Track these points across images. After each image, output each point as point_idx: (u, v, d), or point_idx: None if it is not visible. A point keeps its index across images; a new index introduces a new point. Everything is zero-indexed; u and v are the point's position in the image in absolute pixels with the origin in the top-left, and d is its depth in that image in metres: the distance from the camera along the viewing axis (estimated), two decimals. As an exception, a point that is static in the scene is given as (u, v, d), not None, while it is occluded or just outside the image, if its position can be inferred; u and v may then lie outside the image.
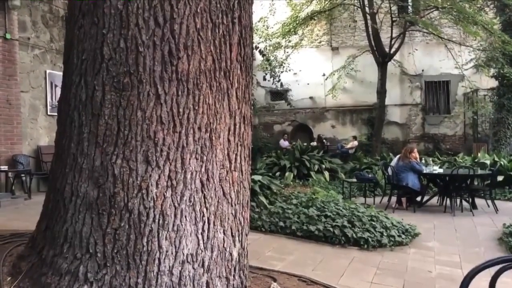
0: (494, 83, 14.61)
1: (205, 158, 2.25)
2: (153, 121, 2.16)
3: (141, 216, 2.14)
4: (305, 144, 13.67)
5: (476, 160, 11.23)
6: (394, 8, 13.87)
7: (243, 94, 2.45)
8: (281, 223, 5.67)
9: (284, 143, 16.23)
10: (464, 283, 1.51)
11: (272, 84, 13.60)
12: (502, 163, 10.46)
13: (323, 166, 11.16)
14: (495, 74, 14.07)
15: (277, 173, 10.25)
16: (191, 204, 2.22)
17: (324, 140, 16.41)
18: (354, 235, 5.29)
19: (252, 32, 2.65)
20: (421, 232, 5.98)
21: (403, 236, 5.57)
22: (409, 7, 14.03)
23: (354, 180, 9.58)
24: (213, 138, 2.28)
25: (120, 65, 2.16)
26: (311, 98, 17.60)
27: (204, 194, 2.26)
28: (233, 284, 2.40)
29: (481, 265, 1.54)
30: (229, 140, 2.35)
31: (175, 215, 2.18)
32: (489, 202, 7.95)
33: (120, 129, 2.16)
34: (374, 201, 8.70)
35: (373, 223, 5.57)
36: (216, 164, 2.30)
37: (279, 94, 17.41)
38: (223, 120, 2.32)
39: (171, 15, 2.17)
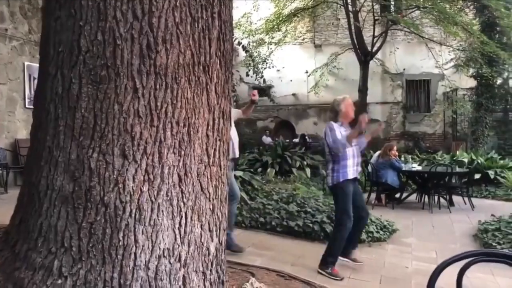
0: (473, 82, 14.89)
1: (183, 152, 2.24)
2: (130, 115, 2.14)
3: (117, 210, 2.12)
4: (287, 140, 13.72)
5: (454, 158, 11.44)
6: (376, 7, 14.01)
7: (223, 89, 2.44)
8: (262, 219, 5.70)
9: (266, 139, 16.27)
10: (433, 277, 1.54)
11: (255, 80, 13.60)
12: (479, 161, 10.68)
13: (305, 162, 11.21)
14: (474, 74, 14.35)
15: (259, 169, 10.27)
16: (168, 198, 2.21)
17: (306, 138, 16.49)
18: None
19: (232, 27, 2.64)
20: (399, 228, 6.08)
21: (381, 232, 5.66)
22: (392, 6, 14.17)
23: (335, 176, 9.62)
24: (191, 132, 2.27)
25: (97, 58, 2.14)
26: (294, 95, 17.68)
27: (182, 189, 2.25)
28: (210, 279, 2.40)
29: (449, 259, 1.58)
30: (207, 135, 2.34)
31: (152, 210, 2.17)
32: (466, 199, 8.12)
33: (97, 123, 2.13)
34: (354, 197, 8.76)
35: (352, 219, 5.62)
36: (194, 158, 2.29)
37: (262, 90, 17.41)
38: (201, 115, 2.31)
39: (150, 8, 2.15)
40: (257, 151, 11.97)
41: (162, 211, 2.19)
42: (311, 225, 5.42)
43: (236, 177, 6.63)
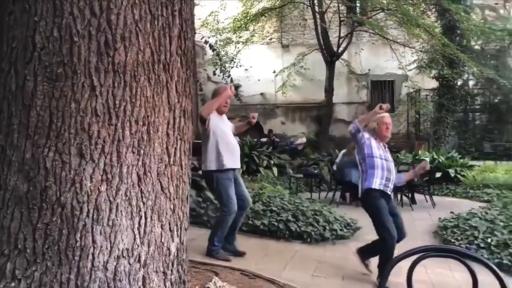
0: (435, 83, 15.32)
1: (142, 151, 2.21)
2: (88, 113, 2.10)
3: (74, 211, 2.08)
4: (255, 140, 13.76)
5: (416, 157, 11.75)
6: (342, 8, 14.21)
7: (184, 87, 2.42)
8: (227, 218, 5.68)
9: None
10: (386, 272, 1.59)
11: (222, 79, 13.57)
12: (440, 160, 11.01)
13: (272, 161, 11.29)
14: (436, 75, 14.77)
15: (226, 169, 10.24)
16: (127, 198, 2.18)
17: (272, 136, 16.55)
18: (297, 229, 5.40)
19: (194, 25, 2.63)
20: (362, 226, 6.17)
21: (345, 230, 5.76)
22: (357, 7, 14.42)
23: (301, 175, 9.76)
24: (151, 131, 2.24)
25: (53, 55, 2.09)
26: (261, 94, 17.74)
27: (141, 189, 2.22)
28: (171, 279, 2.38)
29: (401, 255, 1.62)
30: (168, 134, 2.32)
31: (110, 210, 2.13)
32: (428, 197, 8.36)
33: (53, 121, 2.08)
34: (320, 196, 8.91)
35: (317, 217, 5.72)
36: (154, 158, 2.26)
37: (230, 89, 17.38)
38: (161, 114, 2.29)
39: (108, 5, 2.11)
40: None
41: (121, 211, 2.16)
42: (276, 223, 5.46)
43: (201, 176, 6.60)
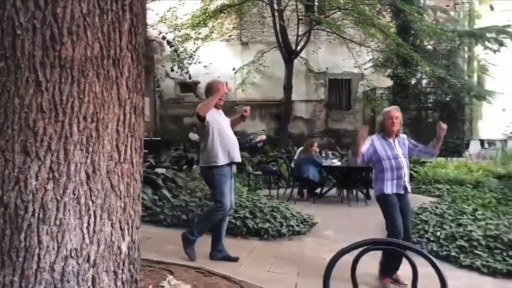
0: (390, 82, 15.72)
1: (91, 149, 2.16)
2: (33, 109, 2.03)
3: (18, 210, 2.01)
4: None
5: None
6: (300, 6, 14.33)
7: (134, 83, 2.38)
8: (184, 216, 5.65)
9: (193, 136, 16.09)
10: (330, 266, 1.62)
11: (180, 75, 13.42)
12: (394, 157, 11.31)
13: (231, 159, 11.25)
14: (391, 74, 15.15)
15: (185, 166, 10.17)
16: (75, 197, 2.12)
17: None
18: (255, 225, 5.43)
19: (146, 20, 2.59)
20: (318, 221, 6.30)
21: (302, 226, 5.84)
22: (315, 6, 14.59)
23: (260, 172, 9.81)
24: (100, 128, 2.19)
25: (-6, 48, 2.01)
26: (221, 91, 17.62)
27: (90, 187, 2.17)
28: (122, 278, 2.34)
29: (344, 249, 1.66)
30: (118, 131, 2.28)
31: (58, 209, 2.07)
32: (382, 193, 8.57)
33: (-5, 117, 2.00)
34: (278, 192, 8.99)
35: (274, 213, 5.77)
36: (104, 155, 2.21)
37: (189, 86, 17.22)
38: (111, 110, 2.24)
39: (54, -3, 2.05)
40: (182, 147, 11.83)
41: (69, 210, 2.11)
42: (233, 220, 5.45)
43: (157, 174, 6.53)
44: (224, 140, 4.37)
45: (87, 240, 2.16)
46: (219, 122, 4.43)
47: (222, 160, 4.33)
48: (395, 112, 4.16)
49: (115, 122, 2.26)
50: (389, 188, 4.05)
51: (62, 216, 2.09)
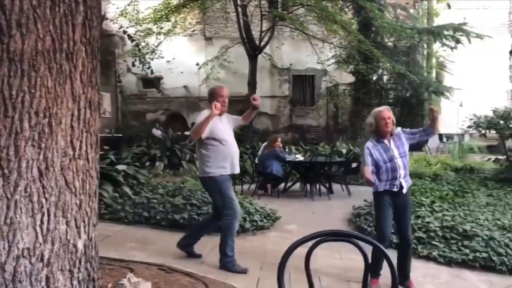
0: (352, 78, 15.99)
1: (43, 145, 2.10)
2: (-20, 104, 1.95)
3: (-35, 210, 1.93)
4: (179, 133, 13.57)
5: (334, 149, 12.23)
6: (264, 2, 14.34)
7: (89, 78, 2.32)
8: (145, 213, 5.58)
9: (156, 132, 15.88)
10: (284, 257, 1.64)
11: (142, 70, 13.21)
12: (356, 151, 11.55)
13: (195, 155, 11.18)
14: (352, 70, 15.41)
15: (147, 163, 10.03)
16: (27, 194, 2.06)
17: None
18: (218, 221, 5.39)
19: (101, 13, 2.53)
20: (282, 216, 6.35)
21: (265, 221, 5.86)
22: (279, 2, 14.63)
23: (224, 168, 9.75)
24: (53, 123, 2.13)
25: None
26: (185, 87, 17.49)
27: (43, 184, 2.11)
28: (78, 277, 2.29)
29: (299, 240, 1.69)
30: (72, 126, 2.22)
31: (8, 207, 2.01)
32: (344, 186, 8.74)
33: None
34: (242, 188, 8.99)
35: (237, 209, 5.75)
36: (57, 151, 2.16)
37: (152, 81, 16.97)
38: (65, 105, 2.18)
39: (1, -12, 1.97)
40: (145, 144, 11.66)
41: (20, 208, 2.04)
42: (196, 217, 5.44)
43: (118, 171, 6.41)
44: (223, 151, 4.16)
45: (40, 239, 2.11)
46: (219, 133, 4.16)
47: (220, 171, 4.15)
48: (387, 112, 3.96)
49: (69, 117, 2.21)
50: (382, 187, 3.96)
51: (13, 215, 2.02)
